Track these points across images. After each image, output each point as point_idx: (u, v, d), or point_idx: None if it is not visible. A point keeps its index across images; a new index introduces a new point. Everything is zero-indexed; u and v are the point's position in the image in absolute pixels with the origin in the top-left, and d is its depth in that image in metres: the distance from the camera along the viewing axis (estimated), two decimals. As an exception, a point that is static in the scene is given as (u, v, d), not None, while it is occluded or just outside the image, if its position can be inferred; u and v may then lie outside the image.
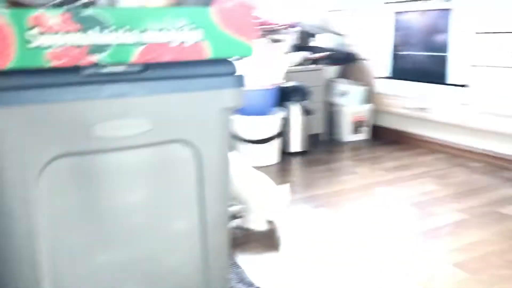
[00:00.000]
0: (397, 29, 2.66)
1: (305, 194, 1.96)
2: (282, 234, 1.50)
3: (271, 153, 2.42)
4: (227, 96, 0.95)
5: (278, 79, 2.40)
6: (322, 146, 2.79)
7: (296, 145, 2.60)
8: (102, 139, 0.85)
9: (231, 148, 1.13)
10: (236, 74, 0.95)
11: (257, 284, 1.21)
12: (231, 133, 1.02)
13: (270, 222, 1.56)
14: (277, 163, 2.45)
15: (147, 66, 0.86)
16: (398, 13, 2.63)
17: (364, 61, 2.88)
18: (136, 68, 0.86)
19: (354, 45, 2.93)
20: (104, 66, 0.83)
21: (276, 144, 2.45)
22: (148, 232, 0.94)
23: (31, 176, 0.80)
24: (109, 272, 0.91)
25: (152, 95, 0.87)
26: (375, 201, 1.85)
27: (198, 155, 0.95)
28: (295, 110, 2.54)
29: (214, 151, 0.97)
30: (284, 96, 2.52)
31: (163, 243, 0.96)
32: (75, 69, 0.81)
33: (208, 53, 0.90)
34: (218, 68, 0.93)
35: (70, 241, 0.87)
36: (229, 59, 0.95)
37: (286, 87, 2.53)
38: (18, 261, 0.83)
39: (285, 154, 2.60)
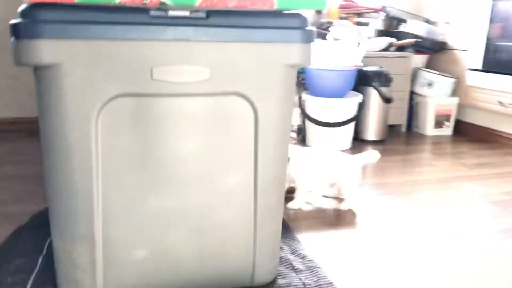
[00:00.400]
0: (493, 18, 2.44)
1: (374, 180, 1.87)
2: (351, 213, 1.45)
3: (344, 138, 2.34)
4: (293, 52, 0.91)
5: (358, 62, 2.30)
6: (400, 137, 2.66)
7: (371, 133, 2.50)
8: (162, 82, 0.85)
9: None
10: (306, 28, 0.90)
11: (310, 257, 1.17)
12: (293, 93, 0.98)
13: (340, 200, 1.58)
14: (349, 149, 2.37)
15: (211, 12, 0.85)
16: (496, 0, 2.41)
17: (455, 51, 2.69)
18: (200, 14, 0.84)
19: (445, 34, 2.74)
20: (169, 8, 0.83)
21: (350, 129, 2.37)
22: (201, 182, 0.93)
23: (91, 112, 0.83)
24: (159, 218, 0.92)
25: (214, 42, 0.85)
26: (451, 194, 1.72)
27: (256, 111, 0.92)
28: (374, 96, 2.43)
29: (273, 109, 0.94)
30: (363, 80, 2.42)
31: (215, 196, 0.95)
32: (141, 10, 0.81)
33: (275, 3, 0.86)
34: (285, 20, 0.89)
35: (123, 183, 0.88)
36: (299, 12, 0.91)
37: (367, 71, 2.43)
38: (73, 195, 0.86)
39: (359, 141, 2.50)
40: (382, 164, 2.10)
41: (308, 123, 2.36)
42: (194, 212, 0.94)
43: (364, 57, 2.47)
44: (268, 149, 0.96)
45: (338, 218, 1.48)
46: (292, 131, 2.45)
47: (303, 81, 2.41)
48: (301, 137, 2.45)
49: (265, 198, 0.98)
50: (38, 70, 0.81)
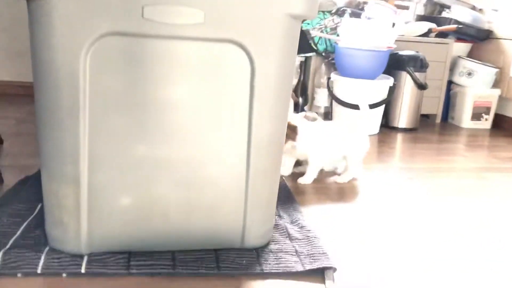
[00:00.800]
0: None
1: (400, 164, 1.79)
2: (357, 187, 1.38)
3: (371, 122, 2.25)
4: (295, 0, 0.86)
5: (391, 43, 2.20)
6: (434, 127, 2.54)
7: (402, 120, 2.39)
8: (153, 23, 0.82)
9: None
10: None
11: (309, 228, 1.12)
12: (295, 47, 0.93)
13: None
14: (377, 134, 2.28)
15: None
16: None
17: (501, 40, 2.53)
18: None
19: (492, 21, 2.58)
20: None
21: (379, 114, 2.28)
22: (191, 133, 0.90)
23: (81, 48, 0.81)
24: (145, 166, 0.90)
25: (210, -17, 0.81)
26: (476, 184, 1.61)
27: (252, 63, 0.88)
28: (407, 81, 2.33)
29: (272, 64, 0.89)
30: (397, 64, 2.32)
31: (205, 150, 0.91)
32: None
33: None
34: (287, -35, 0.84)
35: (111, 126, 0.86)
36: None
37: (402, 55, 2.33)
38: (61, 133, 0.85)
39: (388, 128, 2.41)
40: (411, 151, 2.01)
41: (335, 105, 2.29)
42: (182, 164, 0.91)
43: (401, 41, 2.36)
44: (264, 107, 0.91)
45: (345, 194, 1.42)
46: (319, 113, 2.39)
47: (332, 60, 2.33)
48: (329, 118, 2.38)
49: (258, 159, 0.94)
50: (30, 2, 0.80)
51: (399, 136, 2.28)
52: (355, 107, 2.17)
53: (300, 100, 2.42)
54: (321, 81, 2.41)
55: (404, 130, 2.40)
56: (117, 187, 0.90)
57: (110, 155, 0.88)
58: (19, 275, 0.86)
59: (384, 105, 2.26)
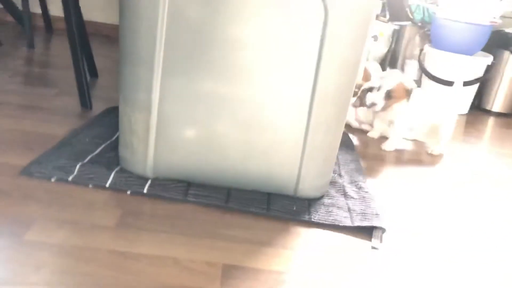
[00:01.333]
0: None
1: (485, 147, 1.68)
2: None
3: (462, 100, 2.12)
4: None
5: (495, 18, 2.03)
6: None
7: (497, 103, 2.22)
8: (232, -39, 0.84)
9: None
10: None
11: (367, 189, 1.11)
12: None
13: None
14: (465, 115, 2.14)
15: None
16: None
17: None
18: None
19: None
20: None
21: (470, 93, 2.13)
22: (257, 74, 0.92)
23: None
24: (210, 103, 0.94)
25: None
26: None
27: (326, 12, 0.87)
28: (509, 62, 2.14)
29: (345, 15, 0.88)
30: (500, 41, 2.14)
31: (269, 92, 0.93)
32: None
33: None
34: None
35: (182, 58, 0.91)
36: None
37: (507, 33, 2.14)
38: (137, 62, 0.91)
39: (480, 109, 2.25)
40: (501, 136, 1.88)
41: (425, 79, 2.18)
42: (245, 105, 0.94)
43: (508, 17, 2.16)
44: (332, 59, 0.90)
45: (415, 165, 1.37)
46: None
47: (428, 31, 2.21)
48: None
49: (321, 110, 0.94)
50: None
51: (491, 120, 2.13)
52: (447, 83, 2.05)
53: (388, 69, 2.33)
54: (413, 52, 2.30)
55: (498, 114, 2.23)
56: (183, 119, 0.95)
57: (179, 88, 0.93)
58: (90, 186, 0.96)
59: (477, 85, 2.11)
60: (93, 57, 1.78)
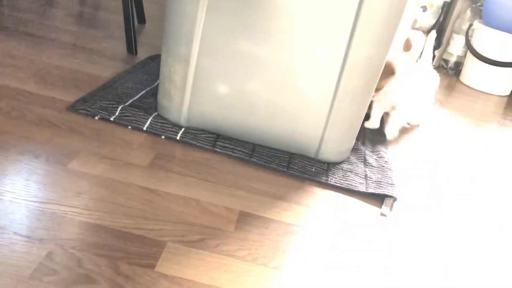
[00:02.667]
0: None
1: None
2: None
3: (505, 81, 2.08)
4: None
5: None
6: None
7: (542, 88, 2.16)
8: None
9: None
10: None
11: (387, 159, 1.15)
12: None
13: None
14: (508, 96, 2.11)
15: None
16: None
17: None
18: None
19: None
20: None
21: (515, 75, 2.08)
22: (291, 40, 0.96)
23: None
24: (245, 62, 0.99)
25: None
26: None
27: (367, -17, 0.89)
28: (561, 47, 2.06)
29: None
30: (555, 24, 2.06)
31: (301, 57, 0.98)
32: None
33: None
34: None
35: (223, 18, 0.96)
36: None
37: None
38: (181, 16, 0.97)
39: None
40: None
41: (469, 56, 2.14)
42: (276, 68, 0.99)
43: None
44: (366, 31, 0.93)
45: (441, 142, 1.39)
46: (450, 61, 2.25)
47: (480, 6, 2.14)
48: (457, 71, 2.24)
49: (349, 80, 0.98)
50: None
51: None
52: (493, 62, 2.01)
53: (433, 42, 2.29)
54: (462, 27, 2.24)
55: (542, 99, 2.18)
56: (218, 74, 1.01)
57: (217, 44, 0.98)
58: (129, 127, 1.05)
59: (524, 67, 2.05)
60: (143, 3, 1.84)
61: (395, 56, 1.28)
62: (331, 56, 0.96)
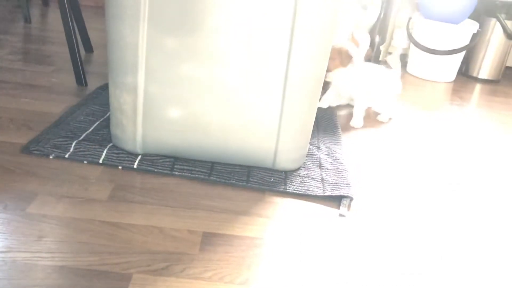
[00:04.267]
0: None
1: (465, 113, 1.76)
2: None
3: (448, 69, 2.18)
4: None
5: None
6: (519, 82, 2.38)
7: (484, 70, 2.28)
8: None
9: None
10: None
11: (342, 161, 1.20)
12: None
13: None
14: (452, 82, 2.21)
15: None
16: None
17: None
18: None
19: None
20: None
21: (457, 61, 2.19)
22: (233, 60, 0.99)
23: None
24: (192, 84, 1.01)
25: None
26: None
27: (296, 3, 0.93)
28: (495, 30, 2.18)
29: (313, 7, 0.94)
30: (487, 9, 2.17)
31: (244, 76, 1.01)
32: None
33: None
34: None
35: (165, 42, 0.98)
36: None
37: (494, 0, 2.16)
38: (124, 47, 0.99)
39: (466, 76, 2.31)
40: (483, 103, 1.95)
41: (413, 48, 2.23)
42: (222, 87, 1.02)
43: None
44: (304, 43, 0.97)
45: (394, 134, 1.45)
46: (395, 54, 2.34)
47: (417, 0, 2.24)
48: (403, 63, 2.33)
49: (294, 90, 1.02)
50: None
51: (477, 87, 2.19)
52: (433, 52, 2.10)
53: (377, 38, 2.37)
54: (403, 21, 2.33)
55: (484, 81, 2.29)
56: (167, 99, 1.03)
57: (162, 70, 1.00)
58: (85, 161, 1.05)
59: (464, 52, 2.16)
60: (87, 31, 1.84)
61: (349, 46, 1.48)
62: (273, 71, 1.00)
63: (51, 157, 1.04)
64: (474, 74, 2.29)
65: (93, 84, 1.51)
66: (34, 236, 0.80)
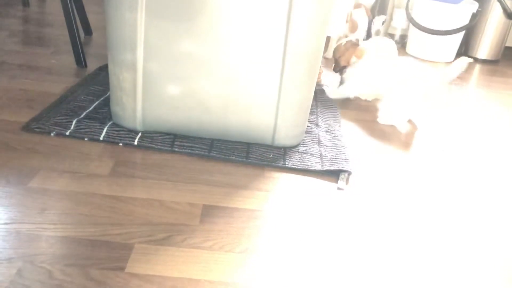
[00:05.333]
0: None
1: (465, 92, 1.76)
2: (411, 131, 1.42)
3: (448, 49, 2.17)
4: None
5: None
6: (519, 62, 2.38)
7: (483, 50, 2.28)
8: None
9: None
10: None
11: (340, 138, 1.21)
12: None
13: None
14: (451, 62, 2.20)
15: None
16: None
17: None
18: None
19: None
20: None
21: (457, 41, 2.18)
22: (233, 37, 0.99)
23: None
24: (191, 62, 1.02)
25: None
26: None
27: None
28: (495, 9, 2.17)
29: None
30: (487, -12, 2.16)
31: (244, 53, 1.01)
32: None
33: None
34: None
35: (164, 20, 0.98)
36: None
37: (494, -21, 2.15)
38: (122, 24, 0.99)
39: (465, 56, 2.30)
40: (482, 82, 1.95)
41: (412, 29, 2.23)
42: (222, 65, 1.02)
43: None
44: (301, 20, 0.97)
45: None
46: (392, 36, 2.34)
47: (416, -20, 2.23)
48: (403, 44, 2.32)
49: (293, 67, 1.02)
50: None
51: (476, 67, 2.19)
52: (434, 31, 2.10)
53: (376, 18, 2.37)
54: (402, 1, 2.33)
55: (484, 61, 2.29)
56: (166, 76, 1.04)
57: (161, 47, 1.01)
58: (86, 139, 1.06)
59: (463, 32, 2.15)
60: (86, 14, 1.83)
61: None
62: (272, 47, 1.00)
63: (52, 134, 1.05)
64: (474, 54, 2.29)
65: (92, 65, 1.52)
66: (37, 208, 0.81)
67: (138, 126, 1.09)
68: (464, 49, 2.30)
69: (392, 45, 1.50)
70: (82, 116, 1.13)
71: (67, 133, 1.06)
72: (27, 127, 1.06)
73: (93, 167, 0.96)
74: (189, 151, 1.06)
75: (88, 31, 1.86)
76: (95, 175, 0.94)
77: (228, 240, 0.80)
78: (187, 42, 1.00)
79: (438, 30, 2.10)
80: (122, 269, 0.70)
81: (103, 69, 1.46)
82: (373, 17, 2.31)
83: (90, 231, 0.77)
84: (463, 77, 2.02)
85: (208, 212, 0.87)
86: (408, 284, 0.75)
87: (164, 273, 0.70)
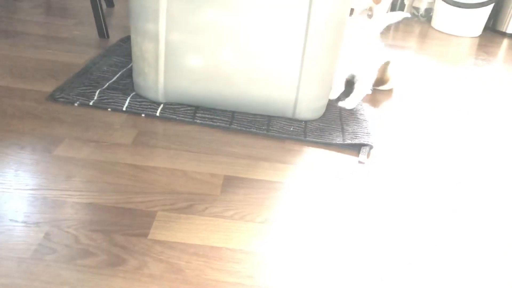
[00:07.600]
0: None
1: (501, 68, 1.72)
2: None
3: (475, 23, 2.11)
4: None
5: None
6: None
7: (512, 25, 2.20)
8: None
9: None
10: None
11: (363, 112, 1.19)
12: None
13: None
14: (478, 37, 2.14)
15: None
16: None
17: None
18: None
19: None
20: None
21: (484, 15, 2.11)
22: (257, 6, 0.98)
23: None
24: (214, 32, 1.01)
25: None
26: None
27: None
28: (527, -19, 2.09)
29: None
30: (519, -41, 2.08)
31: (267, 23, 1.00)
32: None
33: None
34: None
35: (187, -10, 0.97)
36: None
37: (527, -50, 2.07)
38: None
39: (494, 31, 2.24)
40: (509, 57, 1.89)
41: (439, 2, 2.16)
42: (246, 35, 1.01)
43: None
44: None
45: (411, 87, 1.44)
46: (417, 9, 2.27)
47: (444, -49, 2.15)
48: (428, 17, 2.26)
49: (315, 39, 1.01)
50: None
51: (504, 42, 2.13)
52: (459, 5, 2.04)
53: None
54: (429, -27, 2.26)
55: (512, 36, 2.22)
56: (189, 47, 1.03)
57: (184, 18, 1.00)
58: (109, 109, 1.07)
59: (491, 6, 2.08)
60: (108, -14, 1.83)
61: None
62: (295, 17, 0.99)
63: (76, 104, 1.07)
64: (502, 29, 2.22)
65: (114, 37, 1.52)
66: (62, 176, 0.83)
67: (160, 97, 1.10)
68: (492, 23, 2.23)
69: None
70: (105, 86, 1.14)
71: (91, 103, 1.07)
72: (51, 97, 1.08)
73: (116, 137, 0.97)
74: (211, 123, 1.06)
75: (110, 3, 1.86)
76: (119, 144, 0.95)
77: (249, 210, 0.81)
78: (210, 12, 0.99)
79: (465, 3, 2.04)
80: (145, 235, 0.71)
81: (125, 41, 1.47)
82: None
83: (114, 199, 0.79)
84: (489, 51, 1.96)
85: (229, 183, 0.88)
86: (425, 255, 0.75)
87: (186, 240, 0.72)
